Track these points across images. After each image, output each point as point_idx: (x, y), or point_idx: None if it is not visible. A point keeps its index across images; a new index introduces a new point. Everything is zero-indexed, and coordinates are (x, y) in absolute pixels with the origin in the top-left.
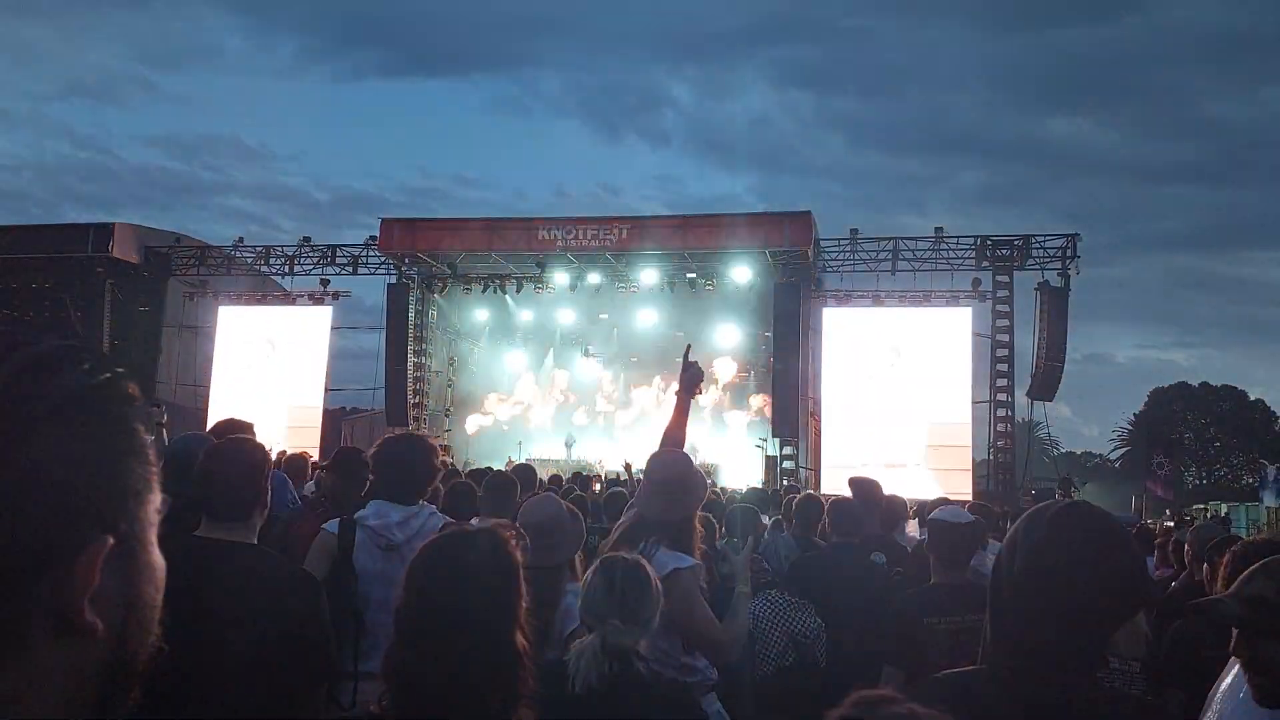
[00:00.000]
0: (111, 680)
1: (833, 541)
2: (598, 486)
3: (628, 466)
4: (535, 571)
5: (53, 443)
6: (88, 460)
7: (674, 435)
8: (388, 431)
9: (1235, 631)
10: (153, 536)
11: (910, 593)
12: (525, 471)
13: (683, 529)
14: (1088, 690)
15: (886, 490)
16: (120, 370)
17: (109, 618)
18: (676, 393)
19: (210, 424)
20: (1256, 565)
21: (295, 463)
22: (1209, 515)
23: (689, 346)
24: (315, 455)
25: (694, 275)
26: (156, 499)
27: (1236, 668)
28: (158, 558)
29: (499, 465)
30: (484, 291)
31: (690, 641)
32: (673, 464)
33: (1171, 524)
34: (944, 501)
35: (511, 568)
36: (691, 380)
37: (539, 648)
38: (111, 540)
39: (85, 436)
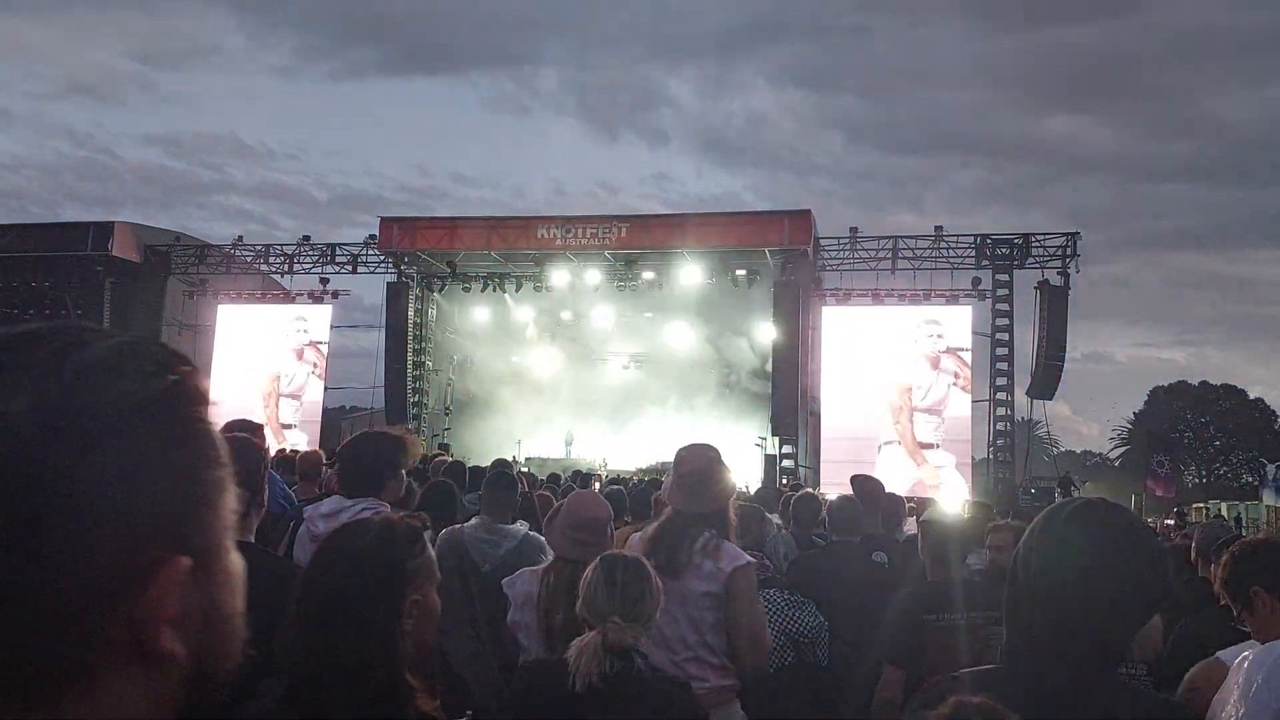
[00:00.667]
0: (193, 695)
1: (832, 540)
2: (597, 485)
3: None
4: (577, 566)
5: (118, 457)
6: (157, 474)
7: None
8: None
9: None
10: (229, 541)
11: (908, 592)
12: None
13: (717, 521)
14: (1111, 688)
15: (886, 489)
16: (187, 368)
17: (189, 636)
18: None
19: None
20: None
21: (309, 459)
22: (1208, 514)
23: None
24: None
25: (693, 273)
26: (232, 499)
27: (1243, 672)
28: (236, 563)
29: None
30: (483, 290)
31: (738, 640)
32: (699, 455)
33: (1170, 523)
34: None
35: (397, 559)
36: None
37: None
38: (187, 560)
39: (153, 447)
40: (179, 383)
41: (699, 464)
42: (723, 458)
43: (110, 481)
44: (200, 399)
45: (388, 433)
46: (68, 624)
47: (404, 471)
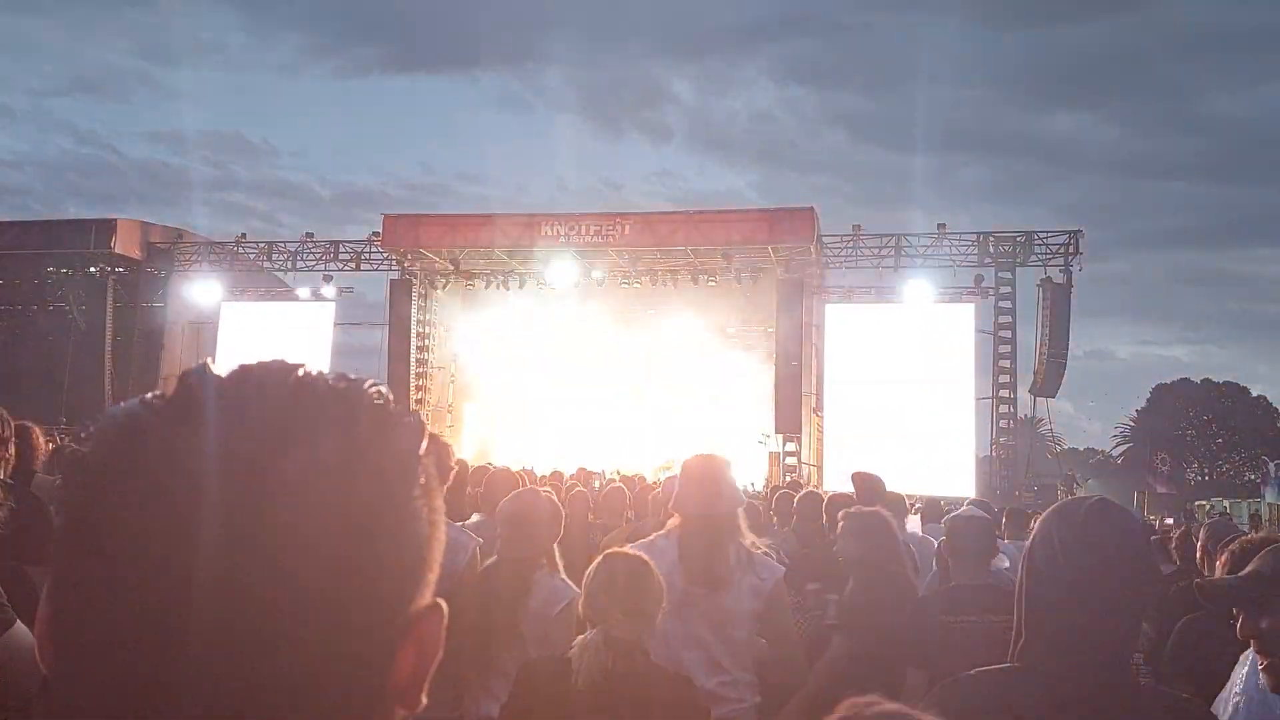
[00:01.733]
0: None
1: (830, 537)
2: (597, 483)
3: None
4: (505, 563)
5: (406, 506)
6: (424, 523)
7: None
8: None
9: (1241, 616)
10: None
11: (929, 593)
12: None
13: (729, 527)
14: (1128, 687)
15: (888, 487)
16: (416, 412)
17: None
18: None
19: None
20: (1264, 551)
21: None
22: (1210, 511)
23: None
24: None
25: (696, 271)
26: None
27: (1245, 669)
28: None
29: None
30: (486, 287)
31: (780, 650)
32: (707, 460)
33: (1170, 521)
34: (942, 501)
35: None
36: None
37: (502, 644)
38: (443, 604)
39: (421, 497)
40: (424, 432)
41: (713, 472)
42: (730, 465)
43: (403, 532)
44: (428, 448)
45: (435, 438)
46: (364, 678)
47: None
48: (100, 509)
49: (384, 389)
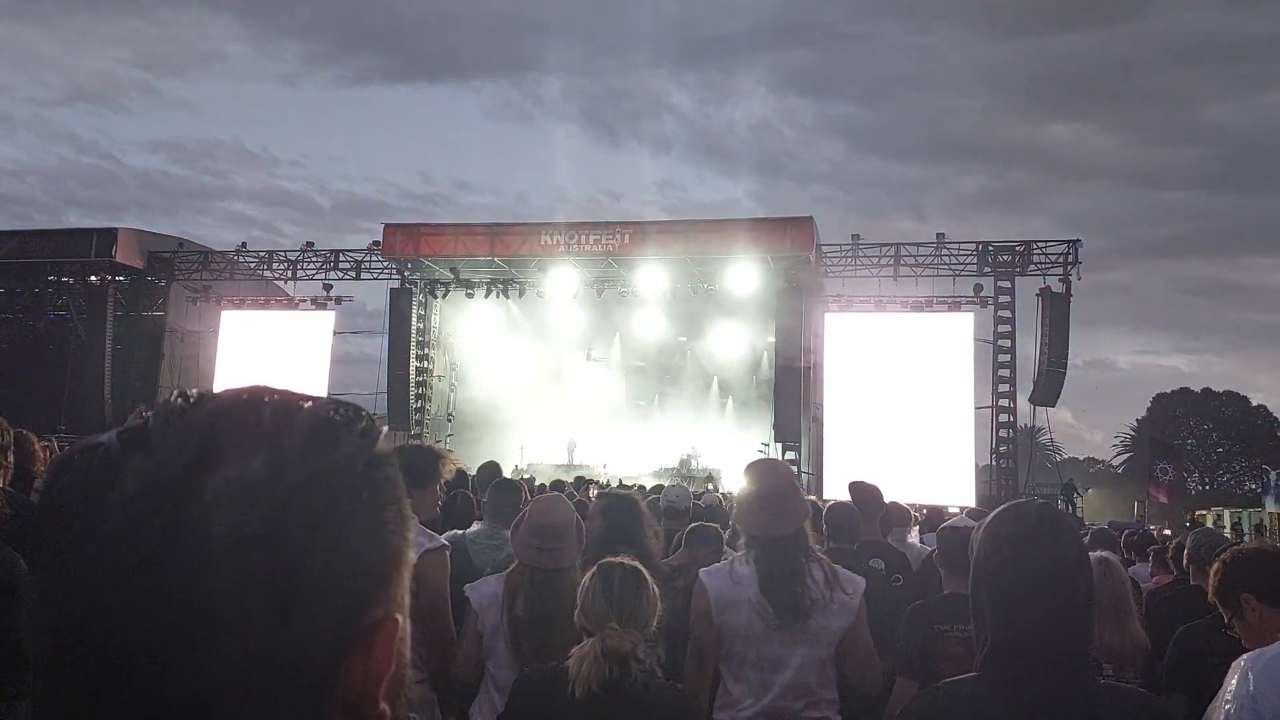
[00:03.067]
0: None
1: (829, 547)
2: (593, 492)
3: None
4: (537, 573)
5: (350, 518)
6: (376, 534)
7: None
8: (390, 437)
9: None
10: (406, 597)
11: (922, 603)
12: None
13: (801, 544)
14: (1091, 688)
15: (888, 496)
16: (382, 429)
17: (390, 693)
18: None
19: None
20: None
21: None
22: (1216, 520)
23: None
24: None
25: (696, 280)
26: (413, 557)
27: (1236, 678)
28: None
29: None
30: (486, 296)
31: (859, 657)
32: (779, 473)
33: (1168, 532)
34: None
35: None
36: None
37: (540, 653)
38: (403, 620)
39: (372, 508)
40: (379, 441)
41: (780, 483)
42: (793, 472)
43: (345, 543)
44: (393, 457)
45: (422, 446)
46: (303, 689)
47: (438, 487)
48: (50, 530)
49: (340, 402)
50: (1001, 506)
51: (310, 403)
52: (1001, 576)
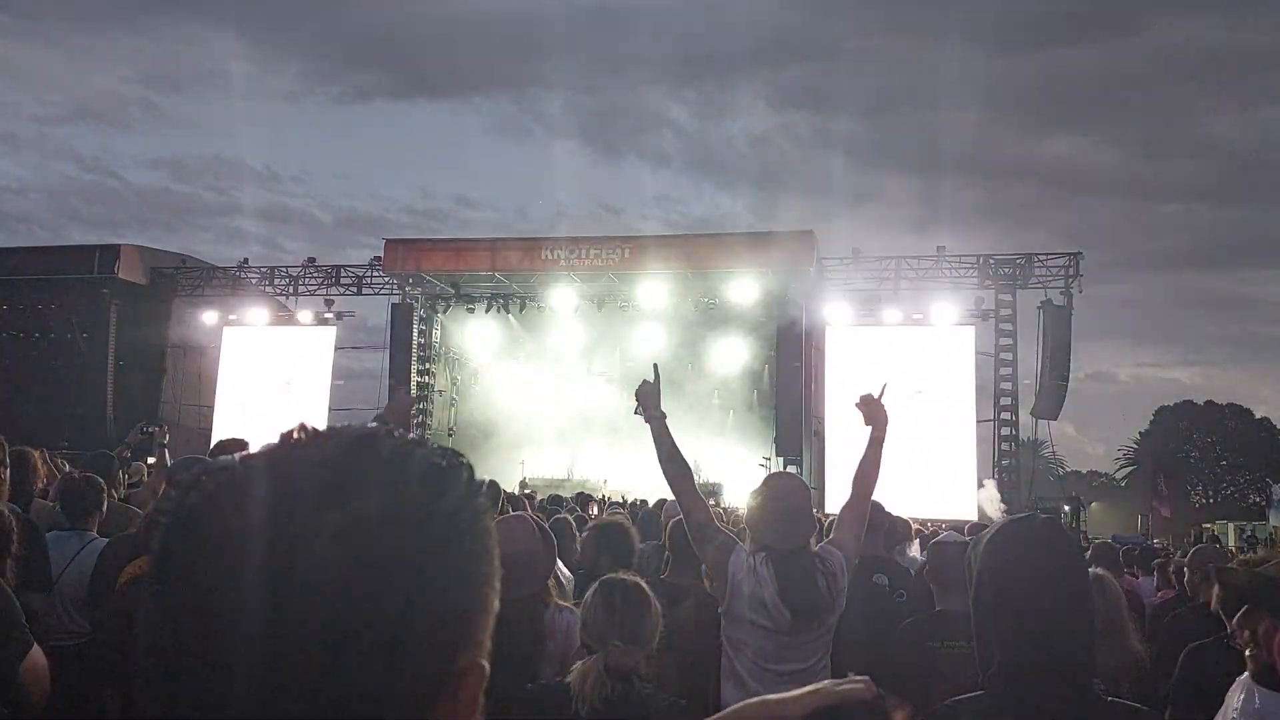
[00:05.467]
0: None
1: None
2: (595, 509)
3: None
4: (507, 605)
5: (455, 562)
6: (474, 578)
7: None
8: None
9: (1247, 609)
10: (488, 644)
11: (914, 620)
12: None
13: (808, 558)
14: (1090, 701)
15: (889, 511)
16: (485, 479)
17: None
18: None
19: (213, 442)
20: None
21: None
22: (1206, 537)
23: (655, 366)
24: None
25: (697, 294)
26: (497, 605)
27: (1242, 694)
28: None
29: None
30: (487, 311)
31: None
32: (797, 488)
33: (1157, 543)
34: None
35: None
36: (647, 398)
37: (522, 679)
38: (485, 666)
39: (472, 553)
40: (482, 490)
41: (799, 498)
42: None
43: (449, 588)
44: (490, 506)
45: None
46: None
47: None
48: (175, 549)
49: (447, 449)
50: (1002, 522)
51: (423, 447)
52: (1007, 593)
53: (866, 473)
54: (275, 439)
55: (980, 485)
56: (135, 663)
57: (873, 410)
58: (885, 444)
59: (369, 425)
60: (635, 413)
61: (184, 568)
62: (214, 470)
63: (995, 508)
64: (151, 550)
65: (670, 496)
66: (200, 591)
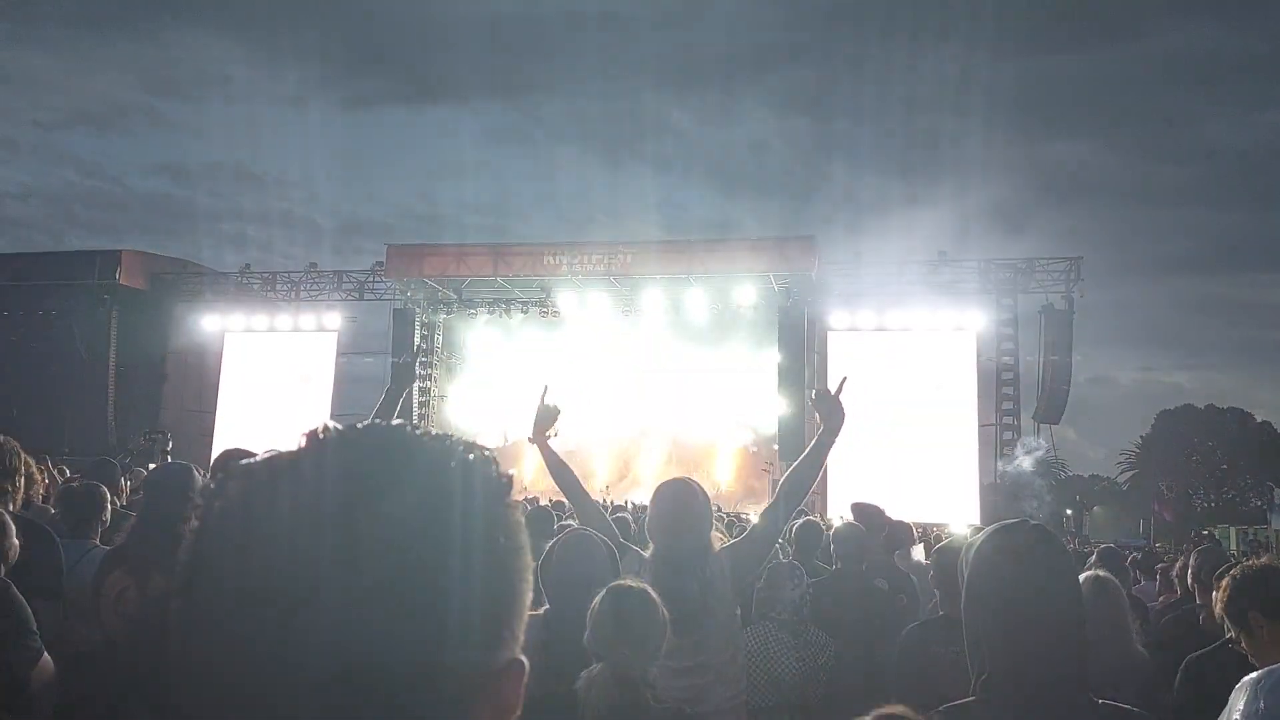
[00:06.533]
0: None
1: (836, 568)
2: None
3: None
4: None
5: (493, 558)
6: (508, 578)
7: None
8: None
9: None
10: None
11: (918, 624)
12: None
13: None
14: (1085, 706)
15: (892, 514)
16: (511, 475)
17: None
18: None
19: (215, 448)
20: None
21: None
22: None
23: (545, 388)
24: None
25: (699, 299)
26: (530, 600)
27: (1245, 697)
28: None
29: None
30: (490, 316)
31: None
32: (684, 493)
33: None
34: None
35: None
36: (542, 420)
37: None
38: (525, 662)
39: (507, 552)
40: (511, 488)
41: (684, 503)
42: (700, 490)
43: (488, 585)
44: (519, 504)
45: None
46: None
47: None
48: (206, 550)
49: (478, 446)
50: (991, 528)
51: (452, 442)
52: (996, 600)
53: (804, 474)
54: (301, 440)
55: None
56: (147, 671)
57: (830, 406)
58: (839, 450)
59: (394, 423)
60: (530, 439)
61: (220, 572)
62: (245, 471)
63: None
64: (183, 556)
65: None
66: (238, 596)
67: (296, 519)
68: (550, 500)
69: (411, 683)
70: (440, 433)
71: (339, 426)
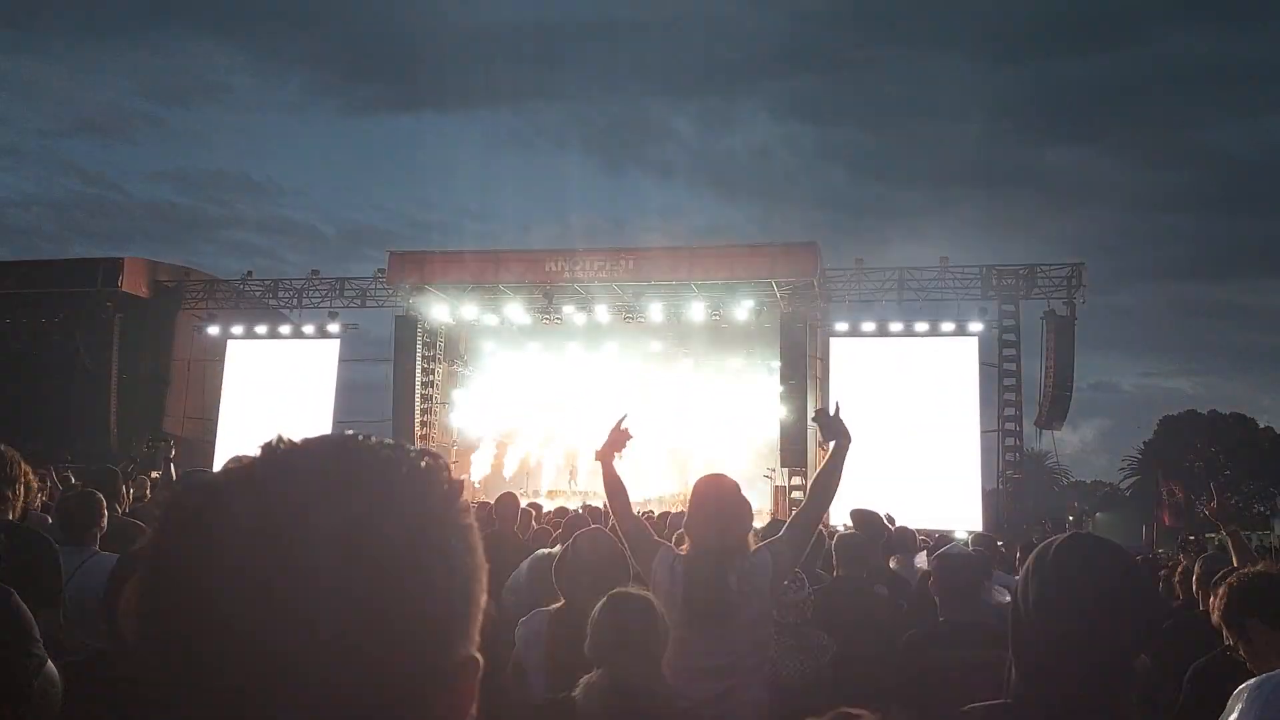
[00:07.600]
0: None
1: (838, 575)
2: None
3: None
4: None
5: (443, 562)
6: (461, 578)
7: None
8: None
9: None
10: (478, 637)
11: (919, 629)
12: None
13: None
14: (1119, 718)
15: (885, 521)
16: (463, 479)
17: None
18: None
19: (217, 455)
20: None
21: None
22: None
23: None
24: None
25: (700, 306)
26: (485, 600)
27: (1242, 703)
28: None
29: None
30: (491, 323)
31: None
32: (724, 490)
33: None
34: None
35: None
36: (614, 443)
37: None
38: (480, 659)
39: (458, 553)
40: (461, 491)
41: (726, 500)
42: (739, 488)
43: (439, 587)
44: (469, 505)
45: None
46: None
47: None
48: (160, 568)
49: (430, 450)
50: (1057, 540)
51: (404, 451)
52: (1030, 611)
53: (826, 483)
54: (256, 450)
55: None
56: (145, 679)
57: (833, 430)
58: (848, 458)
59: (346, 433)
60: (596, 456)
61: (169, 589)
62: (196, 487)
63: None
64: (142, 565)
65: (674, 509)
66: (194, 600)
67: (249, 528)
68: (554, 508)
69: (367, 683)
70: (390, 441)
71: (291, 438)
